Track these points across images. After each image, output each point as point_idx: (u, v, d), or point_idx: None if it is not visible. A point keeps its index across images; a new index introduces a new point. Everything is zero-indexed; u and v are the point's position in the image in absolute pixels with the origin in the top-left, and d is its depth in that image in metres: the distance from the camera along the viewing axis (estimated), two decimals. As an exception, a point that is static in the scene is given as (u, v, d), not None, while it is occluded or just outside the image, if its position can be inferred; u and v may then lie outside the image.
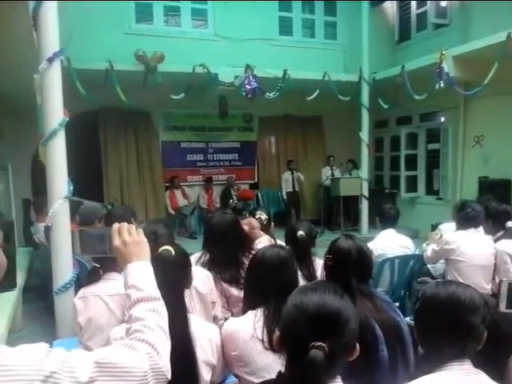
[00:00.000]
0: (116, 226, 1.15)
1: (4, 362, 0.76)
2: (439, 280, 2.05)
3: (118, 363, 0.86)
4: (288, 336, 1.06)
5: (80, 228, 1.24)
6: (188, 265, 1.79)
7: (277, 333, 1.10)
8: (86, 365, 0.83)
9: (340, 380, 1.08)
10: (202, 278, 2.23)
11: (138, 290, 1.03)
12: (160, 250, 1.50)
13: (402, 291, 3.61)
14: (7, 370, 0.75)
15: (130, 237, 1.13)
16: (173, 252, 1.51)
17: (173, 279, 1.44)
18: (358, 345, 1.08)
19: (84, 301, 1.96)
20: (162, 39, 7.54)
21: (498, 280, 3.16)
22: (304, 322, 1.02)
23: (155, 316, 1.00)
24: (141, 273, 1.08)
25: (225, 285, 2.47)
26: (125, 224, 1.16)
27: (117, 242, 1.12)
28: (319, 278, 2.04)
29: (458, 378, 1.18)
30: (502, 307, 1.55)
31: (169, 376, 0.93)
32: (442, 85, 6.63)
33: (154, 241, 2.02)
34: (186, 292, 2.03)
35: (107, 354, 0.88)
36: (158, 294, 1.06)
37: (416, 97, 7.16)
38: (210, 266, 2.57)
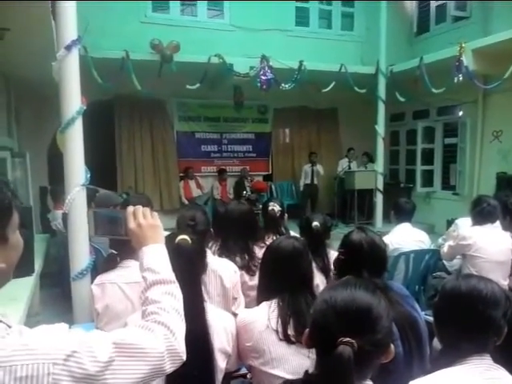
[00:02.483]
0: (131, 208, 1.15)
1: (26, 341, 0.78)
2: (460, 274, 2.02)
3: (136, 344, 0.87)
4: (317, 332, 1.03)
5: (94, 209, 1.24)
6: (204, 252, 1.80)
7: (307, 330, 1.07)
8: (105, 345, 0.84)
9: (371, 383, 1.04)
10: (229, 272, 2.24)
11: (154, 272, 1.04)
12: (177, 239, 1.50)
13: (417, 286, 3.58)
14: (29, 349, 0.77)
15: (145, 220, 1.13)
16: (189, 241, 1.51)
17: (190, 267, 1.44)
18: (392, 346, 1.04)
19: (101, 288, 1.98)
20: (177, 29, 7.52)
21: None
22: (333, 317, 0.99)
23: (171, 298, 1.01)
24: (156, 256, 1.09)
25: None
26: (140, 207, 1.16)
27: (132, 224, 1.12)
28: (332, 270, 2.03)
29: (478, 372, 1.17)
30: None
31: (184, 358, 0.95)
32: (461, 78, 6.52)
33: (193, 227, 2.03)
34: (211, 282, 2.04)
35: (125, 335, 0.89)
36: (173, 276, 1.06)
37: (434, 90, 7.04)
38: (220, 252, 2.59)
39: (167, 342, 0.92)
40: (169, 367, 0.92)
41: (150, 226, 1.13)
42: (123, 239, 1.19)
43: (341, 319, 0.99)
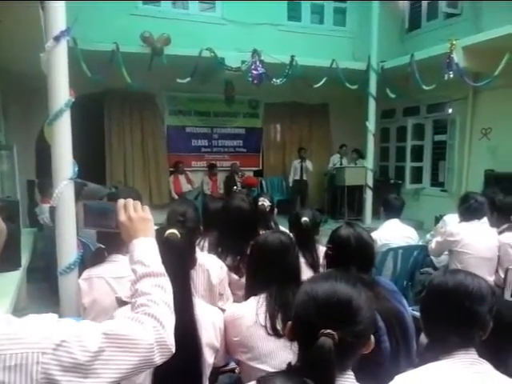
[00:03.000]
0: (122, 201, 1.15)
1: (14, 330, 0.78)
2: (447, 269, 2.04)
3: (126, 335, 0.88)
4: (299, 324, 1.05)
5: (84, 201, 1.23)
6: (193, 247, 1.79)
7: (289, 322, 1.09)
8: (95, 335, 0.84)
9: (351, 375, 1.06)
10: (215, 267, 2.24)
11: (144, 265, 1.05)
12: (166, 233, 1.49)
13: (405, 281, 3.61)
14: (18, 338, 0.77)
15: (136, 213, 1.13)
16: (178, 235, 1.50)
17: (178, 261, 1.44)
18: (373, 337, 1.06)
19: (88, 282, 1.96)
20: (168, 21, 7.45)
21: (501, 272, 3.16)
22: (314, 310, 1.01)
23: (160, 291, 1.01)
24: (146, 249, 1.09)
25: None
26: (130, 200, 1.16)
27: (122, 217, 1.13)
28: (322, 265, 2.04)
29: (463, 366, 1.19)
30: (508, 296, 1.55)
31: (173, 350, 0.95)
32: (452, 75, 6.55)
33: (183, 222, 2.02)
34: (198, 278, 2.04)
35: (115, 326, 0.90)
36: (163, 269, 1.07)
37: (424, 87, 7.07)
38: (211, 249, 2.58)
39: (157, 334, 0.92)
40: (158, 359, 0.92)
41: (141, 219, 1.13)
42: (112, 232, 1.18)
43: (322, 311, 1.00)
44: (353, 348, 1.01)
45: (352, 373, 1.06)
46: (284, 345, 1.60)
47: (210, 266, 2.21)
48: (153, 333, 0.92)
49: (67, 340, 0.80)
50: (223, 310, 1.99)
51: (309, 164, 8.84)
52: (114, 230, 1.17)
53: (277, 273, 1.74)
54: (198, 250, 2.22)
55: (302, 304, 1.05)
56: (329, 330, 0.95)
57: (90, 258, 2.45)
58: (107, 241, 1.98)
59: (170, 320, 0.98)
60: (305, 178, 8.90)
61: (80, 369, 0.79)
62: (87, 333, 0.84)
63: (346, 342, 0.97)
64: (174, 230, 1.52)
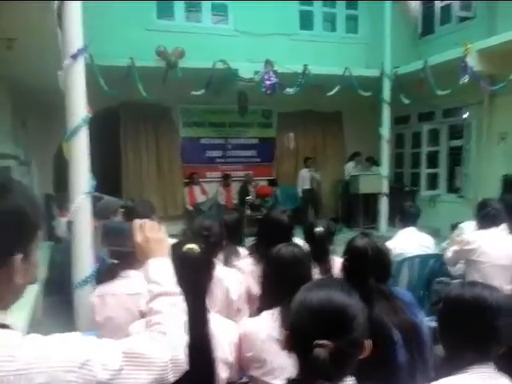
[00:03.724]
0: (138, 221, 1.18)
1: (43, 349, 0.80)
2: (465, 281, 2.02)
3: (143, 354, 0.90)
4: (294, 334, 1.04)
5: (104, 222, 1.26)
6: (212, 263, 1.79)
7: (285, 332, 1.09)
8: (115, 354, 0.87)
9: (352, 380, 1.06)
10: (235, 283, 2.25)
11: (159, 284, 1.07)
12: (184, 248, 1.50)
13: (421, 291, 3.56)
14: (46, 357, 0.79)
15: (152, 233, 1.16)
16: (197, 250, 1.51)
17: (195, 278, 1.45)
18: (369, 341, 1.05)
19: (101, 299, 1.97)
20: (182, 35, 7.57)
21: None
22: (308, 319, 1.00)
23: (174, 309, 1.04)
24: (161, 268, 1.12)
25: None
26: (146, 220, 1.19)
27: (139, 238, 1.15)
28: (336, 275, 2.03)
29: (481, 380, 1.17)
30: None
31: (186, 367, 0.98)
32: (467, 79, 6.49)
33: (207, 237, 2.03)
34: (217, 293, 2.04)
35: (133, 344, 0.92)
36: (177, 289, 1.09)
37: (439, 92, 7.01)
38: (226, 260, 2.61)
39: (171, 352, 0.94)
40: (172, 377, 0.94)
41: (157, 240, 1.15)
42: (128, 251, 1.21)
43: (316, 321, 0.99)
44: (349, 356, 1.01)
45: (353, 378, 1.05)
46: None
47: (229, 281, 2.21)
48: (167, 351, 0.94)
49: (91, 359, 0.82)
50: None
51: (316, 173, 8.81)
52: (129, 250, 1.20)
53: (290, 286, 1.72)
54: (218, 263, 2.24)
55: (296, 313, 1.04)
56: (323, 341, 0.95)
57: (102, 274, 2.48)
58: (120, 256, 2.00)
59: (183, 338, 1.00)
60: (314, 186, 8.87)
61: None
62: (109, 351, 0.87)
63: (342, 351, 0.96)
64: (193, 245, 1.53)
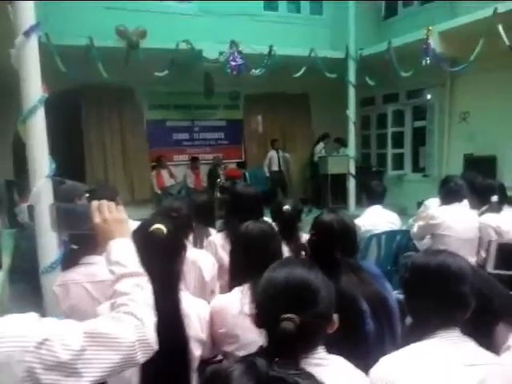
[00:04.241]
0: (95, 203, 1.14)
1: None
2: (429, 249, 2.07)
3: (108, 333, 0.88)
4: (261, 311, 1.09)
5: (56, 204, 1.20)
6: (181, 245, 1.75)
7: (253, 309, 1.14)
8: (77, 334, 0.85)
9: (323, 351, 1.11)
10: (208, 264, 2.24)
11: (122, 265, 1.05)
12: (151, 228, 1.46)
13: (389, 266, 3.65)
14: (1, 337, 0.77)
15: (111, 214, 1.12)
16: (164, 231, 1.48)
17: (164, 258, 1.41)
18: (336, 316, 1.11)
19: (64, 288, 1.87)
20: (144, 14, 7.33)
21: (482, 253, 3.21)
22: (274, 296, 1.06)
23: (139, 290, 1.02)
24: (123, 249, 1.09)
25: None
26: (104, 201, 1.16)
27: (97, 219, 1.12)
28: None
29: (447, 345, 1.20)
30: (490, 267, 1.57)
31: (155, 348, 0.96)
32: (429, 61, 6.60)
33: (175, 218, 1.98)
34: (190, 274, 2.01)
35: (96, 324, 0.90)
36: (141, 269, 1.07)
37: (403, 74, 7.13)
38: (195, 241, 2.59)
39: (138, 332, 0.92)
40: (140, 357, 0.92)
41: (116, 220, 1.13)
42: (87, 234, 1.17)
43: (281, 297, 1.05)
44: (316, 328, 1.06)
45: (323, 347, 1.11)
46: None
47: (202, 262, 2.21)
48: (134, 331, 0.92)
49: (50, 338, 0.80)
50: None
51: (287, 154, 8.86)
52: (88, 232, 1.15)
53: (260, 262, 1.71)
54: (190, 246, 2.21)
55: (263, 291, 1.10)
56: (289, 315, 0.99)
57: (62, 261, 2.40)
58: (80, 241, 1.90)
59: (150, 318, 0.98)
60: (282, 168, 8.92)
61: (63, 367, 0.80)
62: (69, 331, 0.84)
63: (308, 324, 1.01)
64: (160, 226, 1.49)
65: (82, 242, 1.86)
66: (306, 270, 1.11)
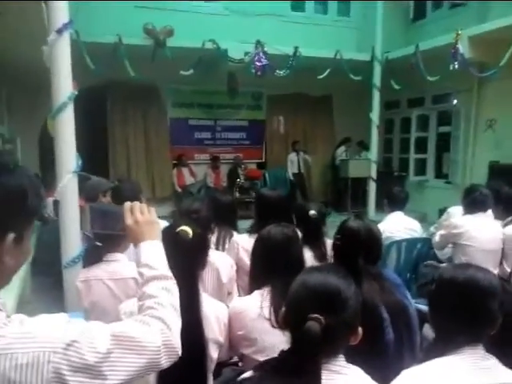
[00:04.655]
0: (128, 204, 1.15)
1: (27, 329, 0.79)
2: (457, 263, 2.03)
3: (134, 337, 0.88)
4: (290, 311, 1.12)
5: (90, 204, 1.22)
6: (205, 247, 1.77)
7: (283, 309, 1.15)
8: (104, 336, 0.85)
9: (343, 359, 1.12)
10: (226, 266, 2.25)
11: (151, 268, 1.05)
12: (178, 229, 1.48)
13: (408, 274, 3.60)
14: (30, 337, 0.77)
15: (142, 216, 1.13)
16: (190, 234, 1.49)
17: (187, 260, 1.43)
18: (360, 328, 1.12)
19: (86, 284, 1.92)
20: (171, 13, 7.40)
21: (505, 265, 3.15)
22: (305, 297, 1.09)
23: (167, 294, 1.02)
24: (153, 252, 1.09)
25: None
26: (137, 203, 1.17)
27: (129, 220, 1.13)
28: (330, 258, 2.03)
29: (470, 363, 1.18)
30: None
31: (179, 353, 0.96)
32: (457, 66, 6.49)
33: (196, 220, 2.00)
34: (207, 276, 2.03)
35: (123, 327, 0.91)
36: (169, 272, 1.07)
37: (429, 78, 7.01)
38: (218, 243, 2.60)
39: (164, 337, 0.92)
40: (164, 362, 0.92)
41: (147, 222, 1.13)
42: (119, 234, 1.18)
43: (311, 298, 1.08)
44: (340, 335, 1.08)
45: (342, 356, 1.12)
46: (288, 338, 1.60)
47: (220, 264, 2.21)
48: (160, 336, 0.92)
49: (77, 340, 0.80)
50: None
51: (307, 156, 8.83)
52: (120, 233, 1.17)
53: (280, 265, 1.74)
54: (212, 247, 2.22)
55: (294, 292, 1.13)
56: (316, 315, 1.01)
57: (85, 257, 2.44)
58: (105, 239, 1.94)
59: (176, 323, 0.98)
60: (302, 170, 8.88)
61: (89, 370, 0.80)
62: (97, 334, 0.84)
63: (333, 328, 1.03)
64: (186, 228, 1.51)
65: (107, 240, 1.90)
66: (340, 277, 1.14)
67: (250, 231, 2.67)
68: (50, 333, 0.79)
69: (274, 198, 2.73)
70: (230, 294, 2.28)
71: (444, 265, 3.35)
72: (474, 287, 1.24)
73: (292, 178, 8.87)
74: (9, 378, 0.74)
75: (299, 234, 2.26)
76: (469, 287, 1.25)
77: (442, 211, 5.18)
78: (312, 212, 2.57)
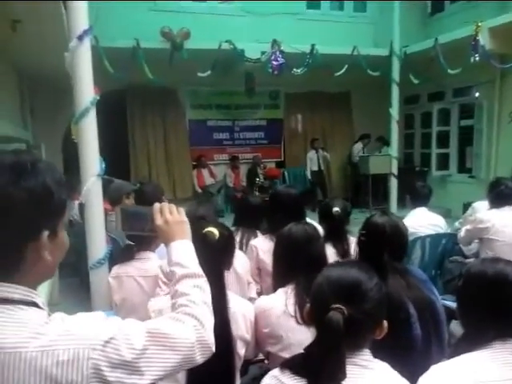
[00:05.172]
0: (157, 205, 1.17)
1: (67, 327, 0.81)
2: (485, 257, 2.00)
3: (169, 334, 0.90)
4: (314, 305, 1.15)
5: (121, 206, 1.25)
6: (231, 248, 1.80)
7: (307, 305, 1.17)
8: (140, 333, 0.87)
9: (369, 353, 1.13)
10: (240, 260, 2.27)
11: (183, 266, 1.07)
12: (205, 230, 1.50)
13: (434, 270, 3.55)
14: (71, 334, 0.80)
15: (172, 216, 1.14)
16: (217, 235, 1.51)
17: (214, 261, 1.45)
18: (385, 322, 1.13)
19: (118, 280, 1.98)
20: (187, 15, 7.47)
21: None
22: (327, 290, 1.12)
23: (199, 292, 1.03)
24: (184, 251, 1.11)
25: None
26: (166, 204, 1.18)
27: (159, 221, 1.14)
28: (353, 255, 2.02)
29: (502, 357, 1.16)
30: None
31: (213, 349, 0.97)
32: (478, 58, 6.37)
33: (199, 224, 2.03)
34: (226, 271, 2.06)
35: (158, 324, 0.92)
36: (201, 270, 1.09)
37: (450, 71, 6.90)
38: (241, 243, 2.62)
39: (198, 334, 0.93)
40: (199, 358, 0.93)
41: (177, 222, 1.14)
42: (149, 235, 1.20)
43: (333, 290, 1.11)
44: (363, 327, 1.09)
45: (368, 351, 1.13)
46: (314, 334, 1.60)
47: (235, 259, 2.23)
48: (194, 332, 0.93)
49: (115, 337, 0.82)
50: (252, 299, 2.00)
51: (326, 154, 8.77)
52: (150, 234, 1.19)
53: (303, 263, 1.74)
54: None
55: (318, 286, 1.16)
56: (338, 305, 1.04)
57: (119, 255, 2.50)
58: (138, 238, 2.00)
59: (209, 320, 0.99)
60: (322, 168, 8.84)
61: (126, 366, 0.82)
62: (133, 331, 0.86)
63: (356, 319, 1.05)
64: (213, 229, 1.53)
65: (139, 239, 1.95)
66: (361, 270, 1.16)
67: (265, 231, 2.68)
68: (88, 330, 0.81)
69: (289, 196, 2.70)
70: (249, 284, 2.30)
71: (471, 260, 3.29)
72: (504, 281, 1.23)
73: (311, 175, 8.83)
74: (51, 375, 0.76)
75: (322, 231, 2.27)
76: (498, 281, 1.23)
77: (466, 206, 5.09)
78: (335, 209, 2.55)
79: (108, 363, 0.80)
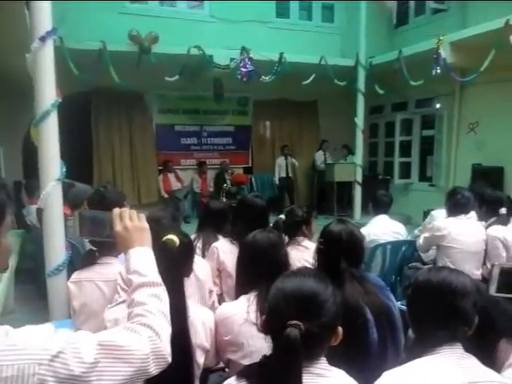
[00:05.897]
0: (117, 210, 1.13)
1: (12, 341, 0.78)
2: (432, 266, 2.07)
3: (121, 346, 0.87)
4: (270, 318, 1.13)
5: (80, 211, 1.21)
6: (191, 255, 1.79)
7: (264, 316, 1.16)
8: (91, 346, 0.84)
9: (325, 361, 1.13)
10: (201, 266, 2.25)
11: (140, 275, 1.04)
12: (164, 238, 1.48)
13: (394, 276, 3.64)
14: (15, 350, 0.77)
15: (132, 222, 1.11)
16: (177, 243, 1.50)
17: (174, 269, 1.43)
18: (340, 329, 1.14)
19: (78, 285, 1.94)
20: (156, 19, 7.41)
21: (488, 265, 3.20)
22: (283, 303, 1.10)
23: (157, 301, 1.01)
24: (143, 258, 1.08)
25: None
26: (126, 209, 1.15)
27: (118, 227, 1.11)
28: (311, 261, 2.05)
29: (449, 361, 1.21)
30: (492, 291, 1.58)
31: (169, 359, 0.95)
32: (439, 71, 6.60)
33: (158, 229, 2.01)
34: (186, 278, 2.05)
35: (110, 336, 0.89)
36: (159, 279, 1.06)
37: (412, 83, 7.13)
38: (204, 248, 2.61)
39: (152, 344, 0.91)
40: (153, 369, 0.91)
41: (137, 228, 1.11)
42: (108, 241, 1.18)
43: (289, 304, 1.09)
44: (320, 338, 1.10)
45: (324, 359, 1.13)
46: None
47: (195, 265, 2.22)
48: (148, 343, 0.91)
49: (64, 351, 0.79)
50: (214, 306, 2.00)
51: (294, 161, 8.87)
52: (109, 239, 1.16)
53: (266, 270, 1.75)
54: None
55: (273, 298, 1.14)
56: (295, 321, 1.03)
57: (80, 260, 2.44)
58: (100, 243, 1.96)
59: (166, 330, 0.97)
60: (290, 174, 8.93)
61: (75, 380, 0.79)
62: (83, 344, 0.83)
63: (313, 333, 1.05)
64: (173, 237, 1.51)
65: (102, 244, 1.91)
66: (317, 281, 1.15)
67: (226, 234, 2.74)
68: (35, 344, 0.79)
69: (256, 205, 2.74)
70: (211, 291, 2.30)
71: (425, 267, 3.40)
72: (447, 288, 1.28)
73: (279, 181, 8.90)
74: None
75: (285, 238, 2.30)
76: (442, 289, 1.29)
77: (426, 213, 5.26)
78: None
79: (55, 378, 0.77)
